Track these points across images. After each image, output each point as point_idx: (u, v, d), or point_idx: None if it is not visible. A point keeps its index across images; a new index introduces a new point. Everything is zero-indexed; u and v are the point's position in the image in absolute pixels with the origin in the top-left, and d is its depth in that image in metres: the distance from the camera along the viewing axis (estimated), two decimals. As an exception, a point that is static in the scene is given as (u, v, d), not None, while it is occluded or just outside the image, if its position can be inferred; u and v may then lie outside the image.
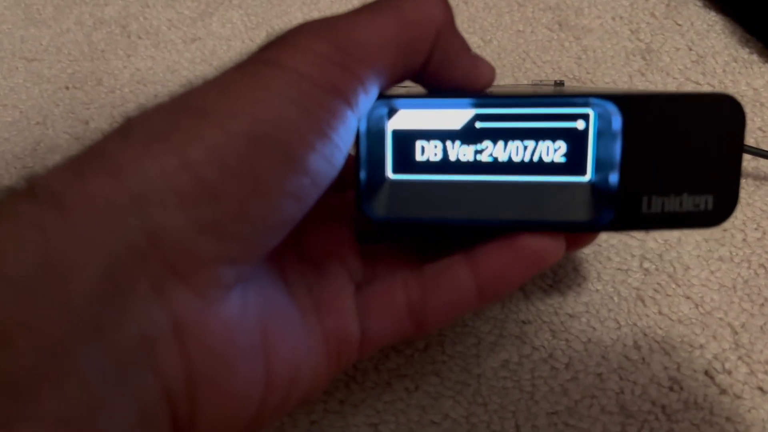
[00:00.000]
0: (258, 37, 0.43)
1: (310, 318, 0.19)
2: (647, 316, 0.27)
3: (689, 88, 0.36)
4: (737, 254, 0.28)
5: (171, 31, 0.43)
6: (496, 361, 0.26)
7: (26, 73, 0.41)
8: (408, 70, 0.18)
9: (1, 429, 0.12)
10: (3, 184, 0.35)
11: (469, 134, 0.19)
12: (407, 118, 0.19)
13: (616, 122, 0.17)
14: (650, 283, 0.28)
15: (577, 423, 0.24)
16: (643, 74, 0.37)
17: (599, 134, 0.18)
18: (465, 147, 0.19)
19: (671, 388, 0.25)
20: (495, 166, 0.19)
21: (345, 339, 0.19)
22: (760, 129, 0.33)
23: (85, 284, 0.13)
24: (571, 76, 0.38)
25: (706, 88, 0.36)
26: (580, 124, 0.18)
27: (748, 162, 0.32)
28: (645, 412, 0.24)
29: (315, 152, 0.15)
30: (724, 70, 0.36)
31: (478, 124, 0.19)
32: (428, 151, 0.19)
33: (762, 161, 0.32)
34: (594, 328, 0.26)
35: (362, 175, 0.19)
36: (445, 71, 0.19)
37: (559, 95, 0.19)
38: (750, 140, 0.33)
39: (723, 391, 0.24)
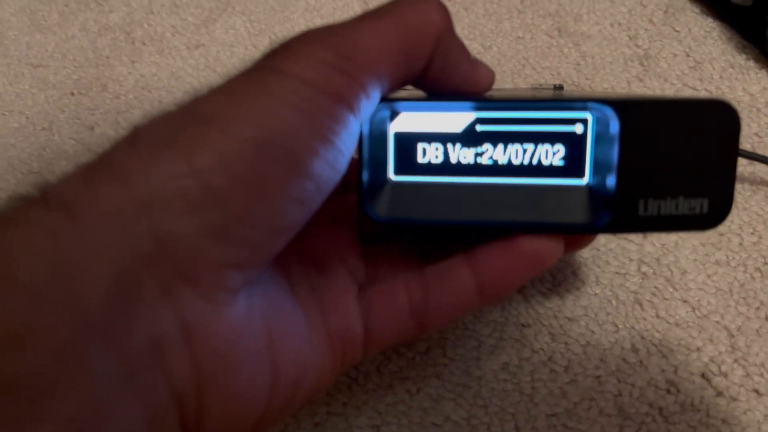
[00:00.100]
0: (261, 43, 0.43)
1: (315, 319, 0.19)
2: (645, 319, 0.27)
3: (687, 93, 0.36)
4: (734, 258, 0.29)
5: (175, 37, 0.44)
6: (496, 363, 0.26)
7: (32, 79, 0.42)
8: (409, 75, 0.18)
9: (14, 429, 0.12)
10: (11, 189, 0.35)
11: (469, 137, 0.19)
12: (409, 120, 0.19)
13: (614, 126, 0.18)
14: (648, 287, 0.28)
15: (576, 425, 0.24)
16: (641, 80, 0.37)
17: (597, 138, 0.19)
18: (465, 149, 0.19)
19: (668, 391, 0.25)
20: (495, 169, 0.19)
21: (349, 339, 0.20)
22: (756, 134, 0.34)
23: (96, 289, 0.13)
24: (570, 82, 0.38)
25: (703, 94, 0.36)
26: (578, 128, 0.19)
27: (744, 167, 0.32)
28: (642, 414, 0.24)
29: (319, 157, 0.16)
30: (721, 76, 0.37)
31: (479, 127, 0.19)
32: (429, 153, 0.20)
33: (758, 166, 0.32)
34: (592, 332, 0.27)
35: (365, 176, 0.19)
36: (445, 75, 0.19)
37: (558, 100, 0.19)
38: (746, 145, 0.33)
39: (719, 394, 0.25)
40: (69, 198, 0.14)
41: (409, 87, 0.20)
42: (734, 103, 0.35)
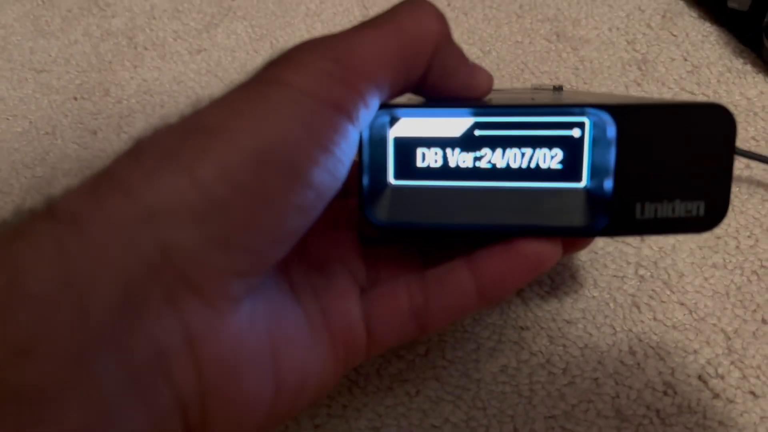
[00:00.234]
0: (262, 48, 0.43)
1: (317, 323, 0.19)
2: (642, 322, 0.27)
3: (684, 98, 0.37)
4: (730, 261, 0.29)
5: (177, 42, 0.44)
6: (495, 366, 0.26)
7: (35, 84, 0.42)
8: (408, 83, 0.19)
9: None
10: (15, 192, 0.36)
11: (468, 142, 0.19)
12: (408, 126, 0.20)
13: (611, 131, 0.18)
14: (645, 290, 0.28)
15: (574, 427, 0.25)
16: (639, 84, 0.38)
17: (594, 142, 0.19)
18: (464, 154, 0.20)
19: (665, 393, 0.25)
20: (493, 173, 0.20)
21: (351, 341, 0.20)
22: (753, 138, 0.34)
23: (102, 299, 0.14)
24: (569, 86, 0.38)
25: (700, 98, 0.36)
26: (576, 132, 0.19)
27: (741, 171, 0.32)
28: (640, 416, 0.25)
29: (319, 166, 0.16)
30: (718, 80, 0.37)
31: (477, 132, 0.19)
32: (429, 157, 0.20)
33: (755, 170, 0.32)
34: (590, 334, 0.27)
35: (365, 180, 0.19)
36: (444, 82, 0.19)
37: (556, 105, 0.19)
38: (743, 148, 0.33)
39: (716, 396, 0.25)
40: (75, 211, 0.14)
41: (408, 94, 0.20)
42: (731, 107, 0.36)
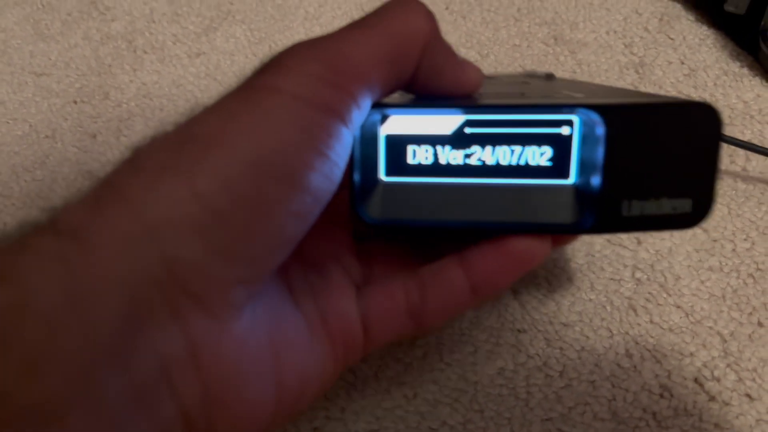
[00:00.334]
0: (261, 52, 0.44)
1: (316, 324, 0.20)
2: (639, 324, 0.27)
3: (681, 101, 0.37)
4: (727, 264, 0.29)
5: (176, 45, 0.44)
6: (492, 368, 0.26)
7: (35, 87, 0.42)
8: (399, 81, 0.19)
9: None
10: (15, 196, 0.36)
11: (458, 139, 0.20)
12: (399, 123, 0.20)
13: (599, 130, 0.18)
14: (642, 293, 0.28)
15: (571, 429, 0.25)
16: (636, 87, 0.38)
17: (583, 140, 0.19)
18: (455, 151, 0.20)
19: (662, 395, 0.25)
20: (483, 170, 0.20)
21: (350, 341, 0.20)
22: (749, 141, 0.34)
23: (107, 315, 0.14)
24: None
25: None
26: (565, 130, 0.19)
27: (738, 173, 0.32)
28: (636, 419, 0.25)
29: (315, 171, 0.16)
30: (715, 84, 0.37)
31: (468, 130, 0.20)
32: (420, 155, 0.20)
33: (750, 173, 0.32)
34: (587, 337, 0.27)
35: (356, 177, 0.19)
36: (434, 79, 0.19)
37: (546, 105, 0.20)
38: (740, 152, 0.33)
39: (712, 398, 0.25)
40: (78, 225, 0.14)
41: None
42: (728, 110, 0.36)
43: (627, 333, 0.27)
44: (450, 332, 0.28)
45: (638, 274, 0.29)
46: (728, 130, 0.35)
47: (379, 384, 0.26)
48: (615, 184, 0.18)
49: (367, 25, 0.18)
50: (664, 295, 0.28)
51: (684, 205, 0.19)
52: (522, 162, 0.20)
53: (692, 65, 0.39)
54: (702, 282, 0.29)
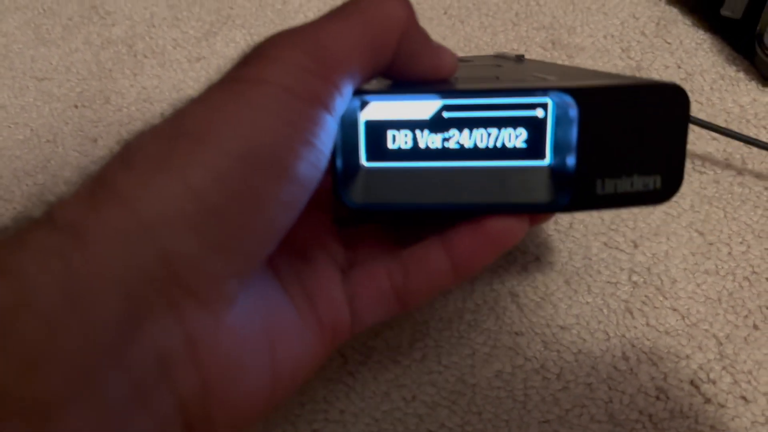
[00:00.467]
0: (261, 56, 0.44)
1: (305, 309, 0.20)
2: (635, 327, 0.28)
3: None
4: (722, 267, 0.29)
5: (176, 50, 0.45)
6: (490, 371, 0.27)
7: (37, 92, 0.43)
8: (377, 68, 0.19)
9: None
10: (16, 200, 0.36)
11: (437, 123, 0.20)
12: (379, 109, 0.20)
13: (573, 111, 0.19)
14: (638, 296, 0.29)
15: (568, 431, 0.25)
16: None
17: (557, 121, 0.20)
18: (433, 135, 0.20)
19: (658, 398, 0.26)
20: (461, 153, 0.20)
21: (338, 324, 0.21)
22: (746, 145, 0.34)
23: (106, 311, 0.14)
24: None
25: (694, 105, 0.37)
26: (539, 113, 0.20)
27: (734, 177, 0.33)
28: (633, 421, 0.25)
29: (302, 160, 0.16)
30: (711, 88, 0.38)
31: (446, 114, 0.20)
32: (399, 139, 0.20)
33: (746, 178, 0.33)
34: (584, 340, 0.27)
35: (338, 163, 0.20)
36: (410, 64, 0.20)
37: (521, 88, 0.20)
38: (736, 155, 0.34)
39: (708, 401, 0.25)
40: (76, 222, 0.14)
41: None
42: (724, 115, 0.36)
43: (623, 336, 0.27)
44: (448, 335, 0.28)
45: (635, 277, 0.29)
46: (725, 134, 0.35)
47: (378, 386, 0.26)
48: (589, 163, 0.19)
49: (346, 14, 0.18)
50: (661, 298, 0.28)
51: (655, 181, 0.19)
52: (499, 144, 0.20)
53: (689, 69, 0.39)
54: (698, 285, 0.29)
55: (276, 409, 0.26)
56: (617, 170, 0.19)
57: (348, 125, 0.20)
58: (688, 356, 0.27)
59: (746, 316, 0.28)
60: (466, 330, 0.28)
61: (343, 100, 0.18)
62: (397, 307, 0.21)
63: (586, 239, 0.31)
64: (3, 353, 0.13)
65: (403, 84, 0.21)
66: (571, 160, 0.19)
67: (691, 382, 0.26)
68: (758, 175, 0.33)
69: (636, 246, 0.30)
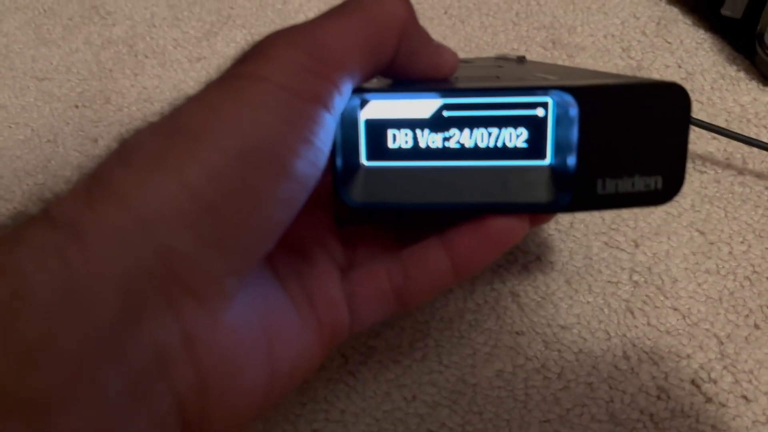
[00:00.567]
0: (261, 56, 0.44)
1: (304, 308, 0.20)
2: (636, 327, 0.28)
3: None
4: (723, 267, 0.29)
5: (177, 50, 0.45)
6: (490, 371, 0.27)
7: (37, 92, 0.43)
8: (377, 67, 0.19)
9: None
10: (17, 200, 0.36)
11: (437, 123, 0.20)
12: (379, 108, 0.20)
13: (573, 111, 0.19)
14: (639, 296, 0.29)
15: (569, 431, 0.25)
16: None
17: (558, 120, 0.20)
18: (434, 135, 0.20)
19: (659, 397, 0.25)
20: (462, 152, 0.20)
21: (336, 323, 0.20)
22: (746, 144, 0.34)
23: (104, 307, 0.14)
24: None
25: (694, 104, 0.37)
26: (540, 112, 0.20)
27: (735, 177, 0.33)
28: (634, 421, 0.25)
29: (301, 159, 0.16)
30: (711, 87, 0.37)
31: (446, 113, 0.20)
32: (399, 138, 0.20)
33: (747, 177, 0.33)
34: (585, 339, 0.27)
35: (338, 162, 0.20)
36: (410, 63, 0.20)
37: (521, 87, 0.20)
38: (737, 155, 0.34)
39: (709, 400, 0.25)
40: (73, 219, 0.14)
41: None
42: (725, 114, 0.36)
43: (624, 335, 0.27)
44: (449, 335, 0.28)
45: (636, 277, 0.29)
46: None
47: (379, 386, 0.26)
48: (590, 163, 0.19)
49: (345, 13, 0.18)
50: (662, 298, 0.28)
51: (656, 182, 0.19)
52: (499, 144, 0.20)
53: (689, 69, 0.39)
54: (699, 284, 0.29)
55: (276, 408, 0.26)
56: (618, 170, 0.19)
57: (348, 124, 0.20)
58: (689, 356, 0.27)
59: (747, 316, 0.28)
60: (466, 330, 0.28)
61: (342, 98, 0.18)
62: (396, 306, 0.21)
63: (587, 239, 0.31)
64: (1, 351, 0.13)
65: (403, 83, 0.21)
66: (571, 160, 0.19)
67: (692, 382, 0.26)
68: (759, 175, 0.33)
69: (637, 245, 0.30)
